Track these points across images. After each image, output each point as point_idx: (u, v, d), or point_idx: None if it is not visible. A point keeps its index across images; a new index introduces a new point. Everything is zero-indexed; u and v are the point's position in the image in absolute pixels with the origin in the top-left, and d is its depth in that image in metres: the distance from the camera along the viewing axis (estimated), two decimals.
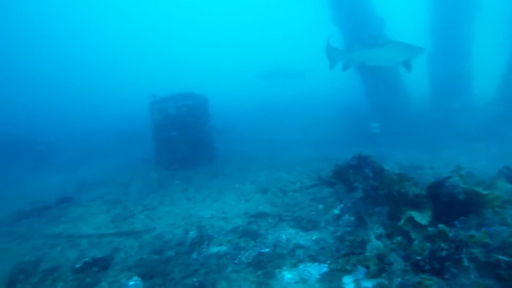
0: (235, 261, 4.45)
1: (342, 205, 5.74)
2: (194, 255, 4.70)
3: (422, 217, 4.13)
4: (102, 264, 4.58)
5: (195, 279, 3.93)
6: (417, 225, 4.07)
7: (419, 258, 3.56)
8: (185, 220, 5.94)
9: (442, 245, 3.51)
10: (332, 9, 17.91)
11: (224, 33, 50.16)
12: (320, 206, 6.05)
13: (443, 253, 3.45)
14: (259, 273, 4.07)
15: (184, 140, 9.55)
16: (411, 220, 4.14)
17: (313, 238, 4.99)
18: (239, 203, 6.73)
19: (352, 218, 5.39)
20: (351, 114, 17.33)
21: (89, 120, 20.53)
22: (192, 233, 5.27)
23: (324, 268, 4.04)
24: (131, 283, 3.77)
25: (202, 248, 4.87)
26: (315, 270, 4.00)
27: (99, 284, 4.33)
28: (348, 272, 3.78)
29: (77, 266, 4.45)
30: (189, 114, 9.57)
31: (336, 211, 5.66)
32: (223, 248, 4.80)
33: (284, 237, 5.01)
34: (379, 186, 5.36)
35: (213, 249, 4.79)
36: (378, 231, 4.47)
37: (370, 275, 3.61)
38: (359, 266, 3.79)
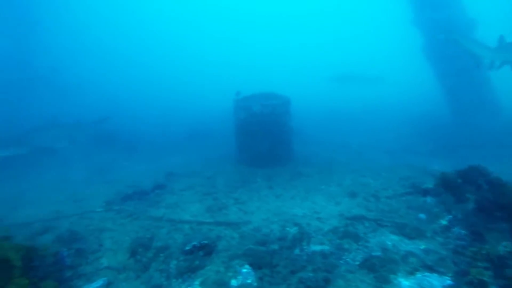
0: (341, 261, 4.33)
1: (451, 216, 5.29)
2: (297, 251, 4.69)
3: None
4: (207, 250, 4.78)
5: (307, 274, 3.89)
6: None
7: None
8: (278, 216, 5.97)
9: None
10: (414, 10, 16.84)
11: (296, 35, 50.21)
12: (422, 215, 5.64)
13: None
14: (371, 276, 3.89)
15: (266, 138, 9.69)
16: None
17: (421, 247, 4.67)
18: (329, 204, 6.59)
19: (464, 231, 4.93)
20: (427, 122, 16.22)
21: (169, 116, 21.97)
22: (292, 230, 5.26)
23: (447, 280, 3.72)
24: (244, 270, 3.86)
25: (303, 245, 4.84)
26: (437, 282, 3.70)
27: (205, 268, 4.53)
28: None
29: (187, 248, 4.70)
30: (273, 113, 9.68)
31: (444, 222, 5.23)
32: (325, 247, 4.71)
33: (389, 243, 4.76)
34: (498, 199, 4.84)
35: (315, 248, 4.73)
36: (507, 248, 4.01)
37: None
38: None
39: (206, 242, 4.81)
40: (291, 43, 49.20)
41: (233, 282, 3.61)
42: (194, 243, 4.75)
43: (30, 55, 19.99)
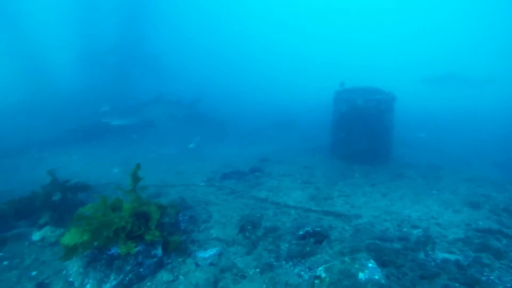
0: (483, 278, 3.69)
1: None
2: (421, 255, 4.17)
3: None
4: (318, 237, 4.55)
5: (453, 284, 3.38)
6: None
7: None
8: (390, 215, 5.46)
9: None
10: None
11: (388, 32, 47.03)
12: None
13: None
14: None
15: (366, 134, 9.08)
16: None
17: None
18: (447, 211, 5.81)
19: None
20: None
21: (257, 107, 22.43)
22: (416, 232, 4.72)
23: None
24: (370, 265, 3.52)
25: (427, 250, 4.29)
26: None
27: (316, 255, 4.31)
28: None
29: (300, 233, 4.53)
30: (376, 109, 9.01)
31: None
32: (458, 257, 4.09)
33: None
34: None
35: (444, 255, 4.14)
36: None
37: None
38: None
39: (318, 229, 4.58)
40: (384, 40, 46.10)
41: (361, 275, 3.30)
42: (308, 229, 4.56)
43: (139, 39, 22.13)
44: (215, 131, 15.49)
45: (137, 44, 21.74)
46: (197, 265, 4.31)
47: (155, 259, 4.23)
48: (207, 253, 4.42)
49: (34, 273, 4.50)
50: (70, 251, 3.89)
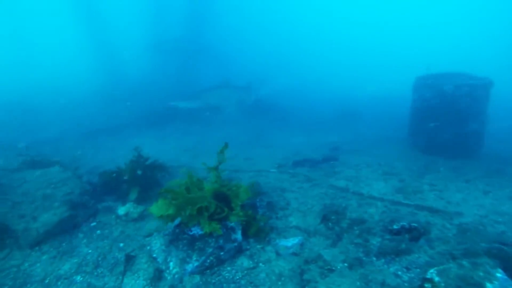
0: None
1: None
2: None
3: None
4: (415, 234, 3.99)
5: None
6: None
7: None
8: (501, 216, 4.65)
9: None
10: None
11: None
12: None
13: None
14: None
15: (454, 124, 8.01)
16: None
17: None
18: None
19: None
20: None
21: (320, 96, 21.71)
22: None
23: None
24: (498, 275, 2.91)
25: None
26: None
27: (412, 254, 3.78)
28: None
29: (395, 227, 4.02)
30: (469, 96, 7.86)
31: None
32: None
33: None
34: None
35: None
36: None
37: None
38: None
39: (415, 225, 4.02)
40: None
41: (489, 286, 2.73)
42: (404, 223, 4.03)
43: (203, 28, 22.61)
44: (279, 119, 15.22)
45: (202, 33, 22.23)
46: (277, 253, 4.06)
47: (235, 244, 4.08)
48: (289, 242, 4.15)
49: (121, 244, 4.67)
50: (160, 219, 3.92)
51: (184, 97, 12.85)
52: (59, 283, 3.93)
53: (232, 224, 4.16)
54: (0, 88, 19.96)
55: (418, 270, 3.43)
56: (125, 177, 5.67)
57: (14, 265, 4.33)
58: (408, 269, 3.50)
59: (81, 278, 4.01)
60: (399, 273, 3.49)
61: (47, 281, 3.98)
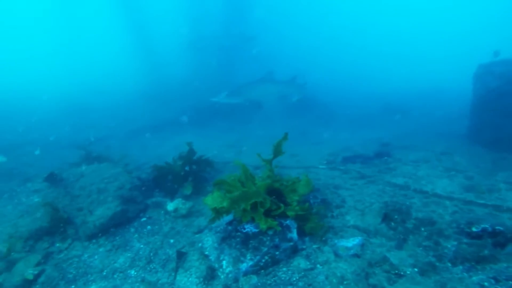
0: None
1: None
2: None
3: None
4: (500, 239, 3.48)
5: None
6: None
7: None
8: None
9: None
10: None
11: None
12: None
13: None
14: None
15: None
16: None
17: None
18: None
19: None
20: None
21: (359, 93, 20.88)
22: None
23: None
24: None
25: None
26: None
27: (498, 263, 3.28)
28: None
29: (474, 230, 3.54)
30: None
31: None
32: None
33: None
34: None
35: None
36: None
37: None
38: None
39: (501, 228, 3.51)
40: None
41: None
42: (485, 226, 3.54)
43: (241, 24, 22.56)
44: (322, 115, 14.74)
45: (241, 29, 22.16)
46: (336, 254, 3.76)
47: (291, 243, 3.83)
48: (349, 242, 3.82)
49: (172, 240, 4.62)
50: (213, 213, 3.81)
51: (225, 92, 12.52)
52: (115, 275, 3.94)
53: (287, 222, 3.92)
54: (59, 91, 21.45)
55: (510, 282, 2.96)
56: (180, 172, 5.61)
57: (75, 256, 4.46)
58: (497, 280, 3.03)
59: (135, 273, 3.99)
60: (486, 284, 3.04)
61: (104, 273, 4.02)
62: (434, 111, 14.88)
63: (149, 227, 5.13)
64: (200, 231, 4.78)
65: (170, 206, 5.30)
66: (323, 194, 5.03)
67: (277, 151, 4.15)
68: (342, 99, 18.93)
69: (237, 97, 12.06)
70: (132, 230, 5.05)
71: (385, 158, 6.69)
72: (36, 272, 3.93)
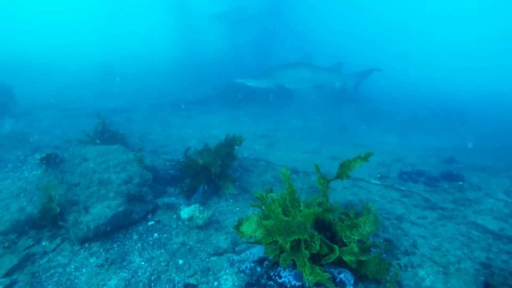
0: None
1: None
2: None
3: None
4: None
5: None
6: None
7: None
8: None
9: None
10: None
11: None
12: None
13: None
14: None
15: None
16: None
17: None
18: None
19: None
20: None
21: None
22: None
23: None
24: None
25: None
26: None
27: None
28: None
29: None
30: None
31: None
32: None
33: None
34: None
35: None
36: None
37: None
38: None
39: None
40: None
41: None
42: None
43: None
44: (365, 111, 13.15)
45: (280, 5, 20.60)
46: None
47: None
48: None
49: (181, 261, 3.59)
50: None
51: (254, 73, 10.43)
52: None
53: (343, 276, 2.71)
54: (90, 56, 20.95)
55: None
56: (213, 169, 4.51)
57: (60, 265, 3.54)
58: None
59: None
60: None
61: None
62: (497, 118, 12.95)
63: (156, 234, 4.12)
64: (218, 253, 3.71)
65: (185, 213, 4.24)
66: (384, 228, 3.75)
67: (344, 173, 2.90)
68: (387, 97, 17.12)
69: (266, 81, 9.93)
70: (135, 237, 4.06)
71: (460, 183, 5.24)
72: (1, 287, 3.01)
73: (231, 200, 5.03)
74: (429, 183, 5.29)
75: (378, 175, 5.69)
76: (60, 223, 3.78)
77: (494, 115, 14.22)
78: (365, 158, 2.81)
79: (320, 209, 3.05)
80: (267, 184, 5.33)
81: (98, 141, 6.13)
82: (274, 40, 20.57)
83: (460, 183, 5.22)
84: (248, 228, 2.78)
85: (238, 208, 4.81)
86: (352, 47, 26.55)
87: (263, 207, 3.06)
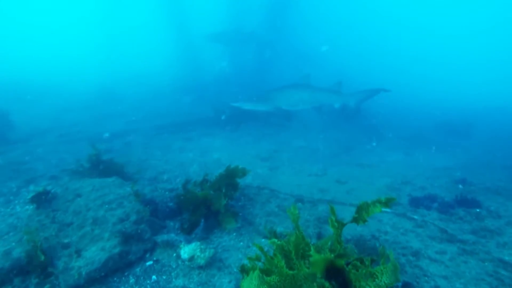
0: None
1: None
2: None
3: None
4: None
5: None
6: None
7: None
8: None
9: None
10: None
11: None
12: None
13: None
14: None
15: None
16: None
17: None
18: None
19: None
20: None
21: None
22: None
23: None
24: None
25: None
26: None
27: None
28: None
29: None
30: None
31: None
32: None
33: None
34: None
35: None
36: None
37: None
38: None
39: None
40: None
41: None
42: None
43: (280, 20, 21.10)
44: (368, 127, 12.93)
45: (279, 26, 20.74)
46: None
47: None
48: None
49: None
50: None
51: (252, 96, 10.33)
52: None
53: None
54: (90, 77, 20.98)
55: None
56: (218, 202, 4.25)
57: None
58: None
59: None
60: None
61: None
62: (504, 131, 12.69)
63: (154, 277, 3.81)
64: None
65: (185, 252, 3.94)
66: (403, 271, 3.44)
67: (361, 218, 2.64)
68: (390, 110, 16.95)
69: (264, 104, 9.81)
70: (132, 280, 3.75)
71: (477, 210, 4.93)
72: None
73: (234, 234, 4.73)
74: (443, 210, 4.99)
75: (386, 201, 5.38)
76: (49, 269, 3.48)
77: (501, 127, 13.99)
78: (386, 203, 2.55)
79: (332, 255, 2.76)
80: (271, 215, 5.05)
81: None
82: (274, 59, 20.65)
83: (478, 210, 4.91)
84: (249, 285, 2.49)
85: (242, 243, 4.51)
86: (353, 63, 26.60)
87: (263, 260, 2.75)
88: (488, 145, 11.54)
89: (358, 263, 2.67)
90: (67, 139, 9.88)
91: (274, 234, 3.03)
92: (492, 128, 13.95)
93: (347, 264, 2.72)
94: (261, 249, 2.58)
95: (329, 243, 2.88)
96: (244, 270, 2.77)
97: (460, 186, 6.23)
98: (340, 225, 2.62)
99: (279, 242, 2.73)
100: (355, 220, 2.63)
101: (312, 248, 2.83)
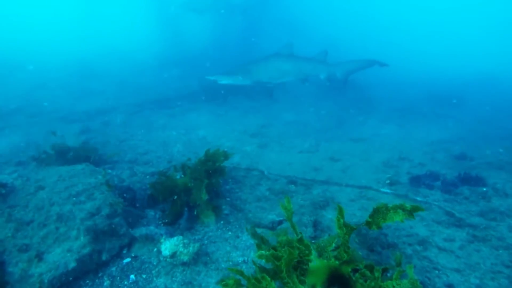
0: None
1: None
2: None
3: None
4: None
5: None
6: None
7: None
8: None
9: None
10: None
11: None
12: None
13: None
14: None
15: None
16: None
17: None
18: None
19: None
20: None
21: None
22: None
23: None
24: None
25: None
26: None
27: None
28: None
29: None
30: None
31: None
32: None
33: None
34: None
35: None
36: None
37: None
38: None
39: None
40: None
41: None
42: None
43: None
44: (359, 100, 12.46)
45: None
46: None
47: None
48: None
49: None
50: None
51: (229, 69, 9.24)
52: None
53: None
54: (67, 51, 19.50)
55: None
56: (197, 192, 3.75)
57: None
58: None
59: None
60: None
61: None
62: (494, 102, 12.45)
63: (132, 276, 3.37)
64: None
65: (166, 248, 3.49)
66: (406, 257, 3.07)
67: (376, 223, 2.20)
68: (379, 83, 16.43)
69: (242, 77, 8.79)
70: (107, 282, 3.30)
71: (484, 189, 4.59)
72: None
73: (222, 222, 4.30)
74: (447, 190, 4.63)
75: (388, 181, 5.00)
76: (3, 278, 2.98)
77: (491, 97, 13.73)
78: (411, 212, 2.07)
79: (337, 262, 2.32)
80: (261, 200, 4.60)
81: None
82: (260, 32, 19.56)
83: (484, 189, 4.56)
84: None
85: (230, 233, 4.09)
86: (344, 37, 25.63)
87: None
88: (481, 115, 11.27)
89: (368, 273, 2.24)
90: (39, 119, 9.09)
91: (261, 240, 2.56)
92: (484, 97, 13.67)
93: (353, 270, 2.29)
94: (242, 273, 2.11)
95: (333, 245, 2.42)
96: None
97: (460, 160, 5.88)
98: (349, 229, 2.15)
99: (268, 254, 2.25)
100: (368, 224, 2.17)
101: (313, 252, 2.38)
